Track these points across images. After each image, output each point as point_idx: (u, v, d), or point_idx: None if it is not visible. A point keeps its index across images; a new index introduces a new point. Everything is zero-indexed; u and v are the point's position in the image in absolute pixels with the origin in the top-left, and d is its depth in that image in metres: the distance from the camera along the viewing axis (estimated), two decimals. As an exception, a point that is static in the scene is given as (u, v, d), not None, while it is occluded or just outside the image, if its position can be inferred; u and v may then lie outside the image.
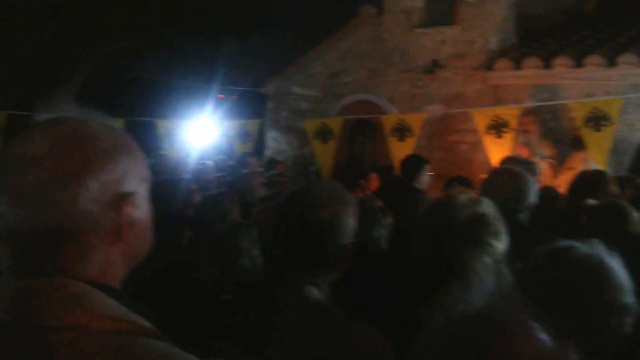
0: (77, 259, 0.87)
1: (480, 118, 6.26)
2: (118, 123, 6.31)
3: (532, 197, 2.62)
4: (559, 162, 6.50)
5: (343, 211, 1.51)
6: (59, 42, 9.47)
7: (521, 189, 2.58)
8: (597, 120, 5.37)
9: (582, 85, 6.72)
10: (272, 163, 6.69)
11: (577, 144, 5.85)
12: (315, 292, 1.46)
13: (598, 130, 5.35)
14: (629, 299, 1.44)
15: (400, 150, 6.57)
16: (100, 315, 0.80)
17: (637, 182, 3.75)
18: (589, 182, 3.39)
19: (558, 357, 0.80)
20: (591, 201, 2.86)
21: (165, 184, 3.97)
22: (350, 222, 1.52)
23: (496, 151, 6.02)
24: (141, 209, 0.96)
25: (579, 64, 6.64)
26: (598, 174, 3.58)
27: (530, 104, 6.97)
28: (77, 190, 0.86)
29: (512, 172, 2.72)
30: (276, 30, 11.50)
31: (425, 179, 4.67)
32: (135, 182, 0.94)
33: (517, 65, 7.04)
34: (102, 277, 0.89)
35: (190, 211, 3.86)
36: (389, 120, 6.96)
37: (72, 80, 10.23)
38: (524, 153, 6.11)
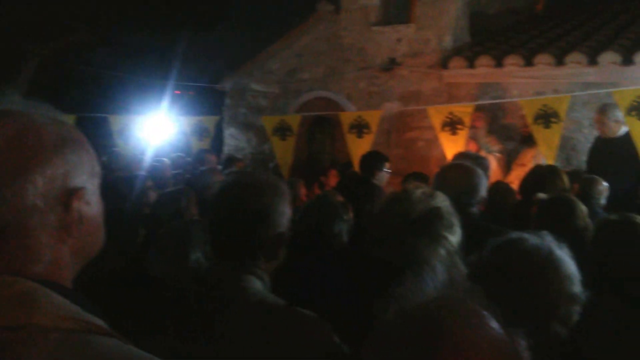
0: (25, 257, 0.85)
1: (436, 115, 6.36)
2: (70, 119, 6.11)
3: (483, 191, 2.69)
4: (505, 157, 6.72)
5: (276, 201, 1.52)
6: (8, 35, 9.10)
7: (473, 184, 2.63)
8: (547, 117, 5.52)
9: (532, 83, 6.94)
10: (230, 160, 6.61)
11: (528, 141, 6.03)
12: (254, 282, 1.47)
13: (547, 127, 5.50)
14: (577, 288, 1.49)
15: (358, 146, 6.61)
16: (50, 314, 0.77)
17: (583, 177, 3.91)
18: (541, 176, 3.51)
19: (509, 344, 0.82)
20: (541, 195, 2.96)
21: (119, 181, 3.88)
22: (283, 211, 1.53)
23: (451, 148, 6.12)
24: (91, 205, 0.94)
25: (529, 63, 6.84)
26: (550, 169, 3.70)
27: (483, 101, 7.16)
28: (23, 185, 0.84)
29: (464, 167, 2.76)
30: (234, 26, 11.39)
31: (383, 175, 4.71)
32: (84, 176, 0.92)
33: (471, 64, 7.20)
34: (51, 274, 0.87)
35: (146, 209, 3.78)
36: (347, 117, 7.00)
37: (20, 74, 9.85)
38: (472, 147, 6.28)
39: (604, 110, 5.37)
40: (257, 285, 1.47)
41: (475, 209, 2.64)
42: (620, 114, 5.21)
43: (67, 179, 0.88)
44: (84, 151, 0.94)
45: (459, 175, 2.68)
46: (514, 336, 0.85)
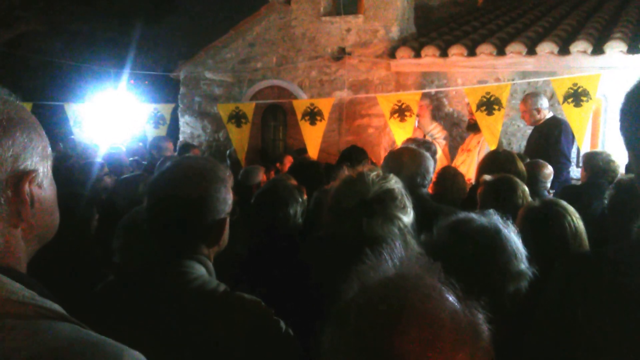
0: None
1: (385, 103, 6.51)
2: (26, 107, 5.93)
3: (432, 173, 2.84)
4: (449, 143, 6.97)
5: (212, 187, 1.49)
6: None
7: (425, 166, 2.78)
8: (490, 104, 5.75)
9: (475, 72, 7.22)
10: (186, 147, 6.56)
11: (473, 128, 6.28)
12: (196, 267, 1.46)
13: (490, 114, 5.72)
14: (523, 265, 1.58)
15: (311, 133, 6.71)
16: (5, 299, 0.75)
17: (530, 162, 4.09)
18: (498, 161, 3.65)
19: (468, 317, 0.85)
20: (487, 176, 3.08)
21: (75, 168, 3.83)
22: (221, 197, 1.50)
23: (400, 134, 6.29)
24: (43, 188, 0.90)
25: (472, 53, 7.11)
26: (507, 155, 3.84)
27: (429, 89, 7.39)
28: None
29: (416, 151, 2.90)
30: (186, 15, 11.20)
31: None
32: (35, 159, 0.88)
33: (417, 54, 7.41)
34: (3, 259, 0.84)
35: (102, 195, 3.76)
36: (301, 104, 7.06)
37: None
38: (418, 134, 6.50)
39: (525, 99, 5.70)
40: (199, 270, 1.45)
41: (425, 190, 2.78)
42: (542, 102, 5.50)
43: (17, 161, 0.84)
44: (34, 132, 0.89)
45: (412, 158, 2.80)
46: (473, 309, 0.87)
